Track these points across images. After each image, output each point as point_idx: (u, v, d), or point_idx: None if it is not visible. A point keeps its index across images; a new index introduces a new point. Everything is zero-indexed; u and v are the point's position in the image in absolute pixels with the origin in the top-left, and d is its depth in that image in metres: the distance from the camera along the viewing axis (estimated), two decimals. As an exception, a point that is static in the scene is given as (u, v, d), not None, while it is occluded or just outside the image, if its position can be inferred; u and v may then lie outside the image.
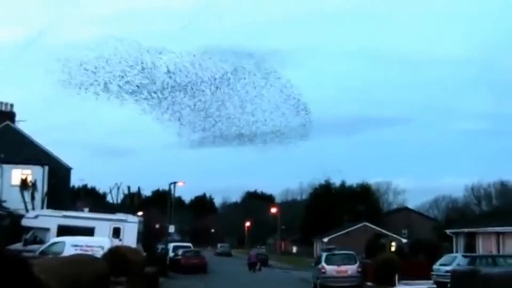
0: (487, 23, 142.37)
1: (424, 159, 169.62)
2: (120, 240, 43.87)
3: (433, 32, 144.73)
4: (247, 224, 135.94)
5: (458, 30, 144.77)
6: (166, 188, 77.60)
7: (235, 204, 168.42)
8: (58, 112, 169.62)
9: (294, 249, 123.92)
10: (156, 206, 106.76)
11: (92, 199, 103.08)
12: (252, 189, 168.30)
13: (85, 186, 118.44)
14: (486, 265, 36.19)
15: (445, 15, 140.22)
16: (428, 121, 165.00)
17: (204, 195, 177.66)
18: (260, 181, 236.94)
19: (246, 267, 72.79)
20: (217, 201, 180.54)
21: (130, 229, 45.92)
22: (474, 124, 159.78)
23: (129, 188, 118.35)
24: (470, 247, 51.62)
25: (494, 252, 46.79)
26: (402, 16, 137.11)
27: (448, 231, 57.91)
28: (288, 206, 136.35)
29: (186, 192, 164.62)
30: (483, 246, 50.40)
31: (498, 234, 48.81)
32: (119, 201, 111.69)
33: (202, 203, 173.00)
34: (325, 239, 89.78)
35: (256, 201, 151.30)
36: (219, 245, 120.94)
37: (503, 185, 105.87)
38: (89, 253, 30.54)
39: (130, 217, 48.38)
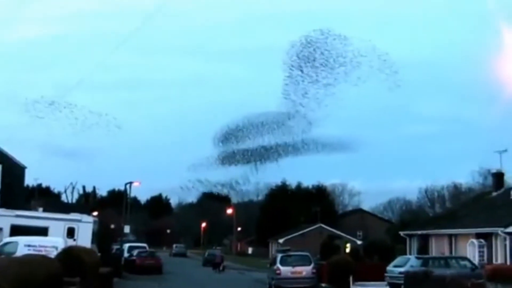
0: (437, 26, 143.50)
1: (378, 161, 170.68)
2: (74, 240, 43.48)
3: (385, 35, 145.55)
4: (203, 224, 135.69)
5: (408, 32, 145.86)
6: (122, 188, 77.23)
7: (191, 204, 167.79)
8: (11, 110, 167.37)
9: (250, 250, 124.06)
10: (112, 206, 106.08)
11: (47, 199, 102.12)
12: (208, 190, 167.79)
13: (39, 186, 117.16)
14: (439, 267, 36.72)
15: (394, 17, 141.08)
16: (382, 124, 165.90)
17: (160, 195, 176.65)
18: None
19: (201, 268, 72.88)
20: (173, 202, 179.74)
21: (85, 229, 45.51)
22: (427, 128, 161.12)
23: (84, 187, 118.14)
24: (423, 248, 52.31)
25: (447, 253, 47.51)
26: (350, 17, 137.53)
27: (402, 233, 58.58)
28: (244, 207, 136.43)
29: (142, 192, 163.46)
30: (436, 248, 51.13)
31: (450, 236, 49.57)
32: (74, 200, 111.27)
33: (158, 203, 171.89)
34: (281, 240, 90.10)
35: (212, 201, 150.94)
36: (174, 245, 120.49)
37: (456, 187, 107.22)
38: (43, 253, 30.23)
39: (84, 217, 47.96)
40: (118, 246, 68.95)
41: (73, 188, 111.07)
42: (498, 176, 54.66)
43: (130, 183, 71.61)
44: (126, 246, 68.77)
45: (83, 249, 30.77)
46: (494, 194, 53.70)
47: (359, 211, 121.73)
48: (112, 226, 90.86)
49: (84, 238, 43.92)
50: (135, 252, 63.92)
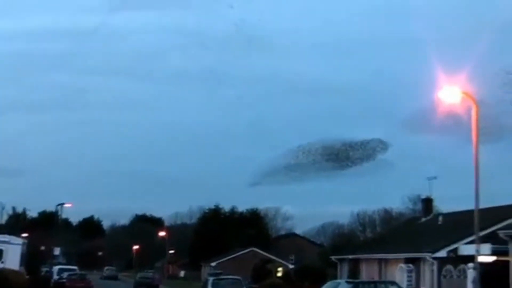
0: (382, 52, 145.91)
1: (313, 185, 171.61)
2: (2, 262, 42.78)
3: (327, 60, 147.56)
4: (136, 247, 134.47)
5: (352, 58, 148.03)
6: (54, 209, 76.23)
7: (123, 227, 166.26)
8: None
9: (182, 273, 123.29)
10: (43, 228, 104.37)
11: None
12: (141, 212, 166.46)
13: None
14: (368, 291, 37.25)
15: (339, 44, 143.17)
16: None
17: (92, 217, 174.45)
18: (149, 204, 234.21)
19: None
20: (106, 224, 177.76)
21: (13, 251, 44.81)
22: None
23: (14, 208, 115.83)
24: (354, 273, 52.89)
25: (377, 278, 48.12)
26: (297, 43, 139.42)
27: (333, 257, 59.14)
28: (177, 230, 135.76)
29: (73, 213, 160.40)
30: (366, 272, 51.76)
31: (380, 260, 50.27)
32: (3, 221, 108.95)
33: (90, 225, 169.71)
34: (213, 264, 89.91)
35: (145, 224, 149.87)
36: (105, 268, 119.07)
37: (386, 212, 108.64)
38: (-31, 275, 29.71)
39: (13, 239, 47.26)
40: (47, 268, 67.96)
41: (2, 209, 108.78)
42: (427, 202, 55.78)
43: (62, 204, 70.80)
44: (56, 268, 67.80)
45: (11, 272, 30.41)
46: (423, 219, 54.73)
47: (292, 235, 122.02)
48: (42, 248, 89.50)
49: (13, 260, 43.23)
50: (65, 275, 63.02)
